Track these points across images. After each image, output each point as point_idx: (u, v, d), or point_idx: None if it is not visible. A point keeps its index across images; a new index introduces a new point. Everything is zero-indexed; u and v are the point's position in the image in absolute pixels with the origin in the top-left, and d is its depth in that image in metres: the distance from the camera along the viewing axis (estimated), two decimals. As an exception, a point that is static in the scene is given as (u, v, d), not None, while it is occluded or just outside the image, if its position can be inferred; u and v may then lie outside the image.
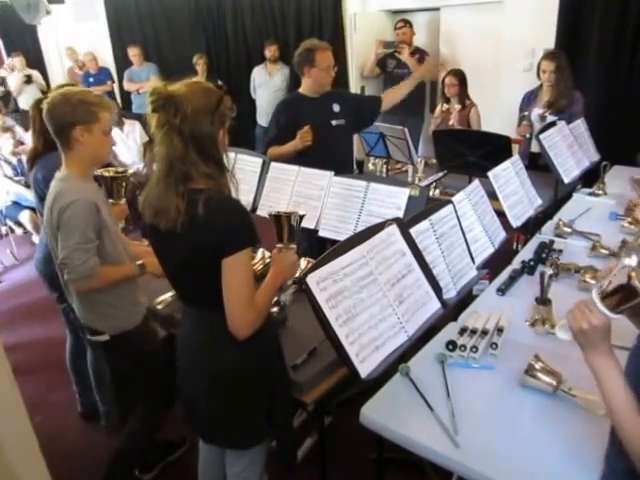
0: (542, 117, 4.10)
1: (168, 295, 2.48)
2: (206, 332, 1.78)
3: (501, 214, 2.86)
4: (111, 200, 2.43)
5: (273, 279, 1.75)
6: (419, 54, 5.71)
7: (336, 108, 3.49)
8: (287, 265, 1.79)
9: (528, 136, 4.22)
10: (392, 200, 2.76)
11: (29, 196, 5.23)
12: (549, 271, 2.23)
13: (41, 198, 2.53)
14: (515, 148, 4.05)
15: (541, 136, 3.49)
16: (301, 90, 3.53)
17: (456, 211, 2.47)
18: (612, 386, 1.24)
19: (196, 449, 2.20)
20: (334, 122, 3.48)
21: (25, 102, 7.94)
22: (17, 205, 5.71)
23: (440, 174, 3.95)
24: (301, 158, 3.33)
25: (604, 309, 1.24)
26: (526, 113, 4.22)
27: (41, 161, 2.57)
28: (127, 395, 2.54)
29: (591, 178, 3.84)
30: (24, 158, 5.45)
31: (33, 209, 5.27)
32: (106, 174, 2.43)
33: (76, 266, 1.99)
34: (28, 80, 8.14)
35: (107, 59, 8.52)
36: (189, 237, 1.58)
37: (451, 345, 1.99)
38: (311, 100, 3.47)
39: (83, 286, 2.07)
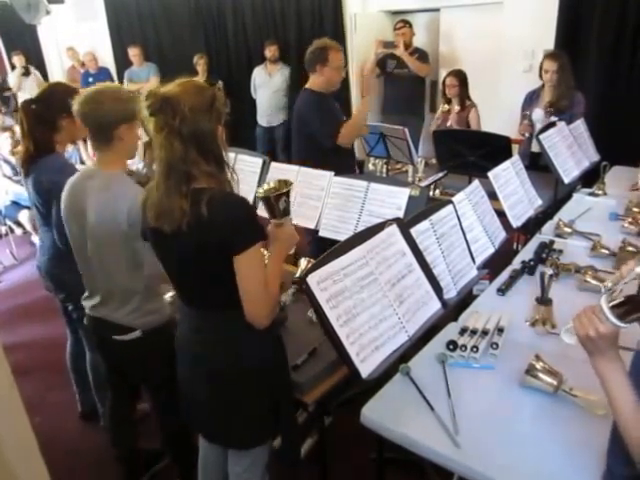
0: (545, 118, 4.10)
1: (168, 296, 2.47)
2: (206, 332, 1.77)
3: (501, 214, 2.86)
4: None
5: (276, 255, 1.77)
6: (418, 54, 5.71)
7: (337, 105, 3.57)
8: (286, 238, 1.80)
9: (528, 135, 4.22)
10: (392, 200, 2.75)
11: (28, 196, 5.23)
12: (549, 271, 2.22)
13: (46, 201, 2.51)
14: (515, 148, 4.05)
15: (541, 136, 3.49)
16: (312, 87, 3.49)
17: (456, 211, 2.47)
18: (619, 392, 1.24)
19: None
20: (344, 118, 3.57)
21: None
22: (16, 205, 5.69)
23: (440, 174, 3.95)
24: (332, 158, 3.32)
25: (612, 318, 1.22)
26: (528, 112, 4.22)
27: (40, 164, 2.49)
28: (126, 396, 2.53)
29: (591, 178, 3.84)
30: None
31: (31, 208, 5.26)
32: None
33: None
34: (26, 71, 8.12)
35: (107, 59, 8.51)
36: (195, 237, 1.58)
37: (452, 345, 1.99)
38: (328, 97, 3.51)
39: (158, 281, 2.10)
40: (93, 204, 2.06)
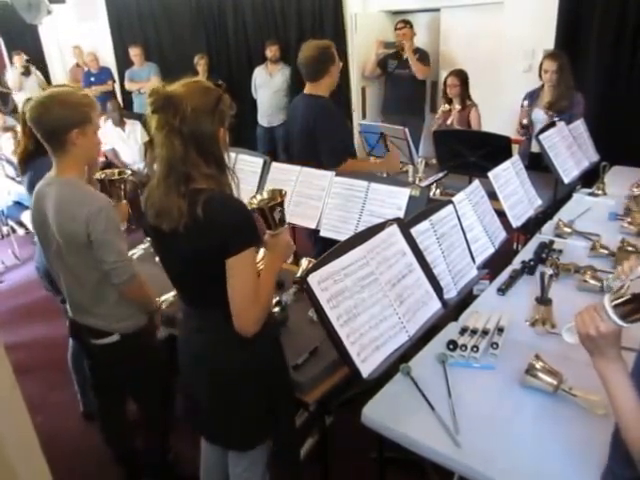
0: (545, 117, 4.10)
1: (170, 295, 2.48)
2: (207, 333, 1.78)
3: (501, 214, 2.87)
4: (112, 203, 2.41)
5: (271, 265, 1.76)
6: (419, 54, 5.72)
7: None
8: (282, 248, 1.79)
9: (525, 122, 4.21)
10: (393, 200, 2.76)
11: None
12: (549, 271, 2.23)
13: None
14: (515, 148, 4.05)
15: (541, 136, 3.50)
16: (320, 93, 3.26)
17: (456, 211, 2.48)
18: (619, 392, 1.23)
19: (184, 455, 2.19)
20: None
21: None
22: (19, 205, 5.70)
23: (440, 174, 3.96)
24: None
25: (615, 317, 1.20)
26: (525, 102, 4.23)
27: (36, 165, 2.47)
28: (112, 399, 2.53)
29: (591, 178, 3.84)
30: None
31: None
32: (104, 177, 2.38)
33: (126, 267, 2.02)
34: (26, 71, 8.11)
35: (108, 59, 8.51)
36: (192, 237, 1.58)
37: (452, 345, 1.99)
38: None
39: (134, 285, 2.08)
40: (50, 212, 2.04)
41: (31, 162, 2.52)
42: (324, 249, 1.96)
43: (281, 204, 1.76)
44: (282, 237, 1.78)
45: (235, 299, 1.62)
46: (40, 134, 2.02)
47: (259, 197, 1.79)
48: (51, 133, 1.99)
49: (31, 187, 2.48)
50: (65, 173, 2.06)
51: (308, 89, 3.31)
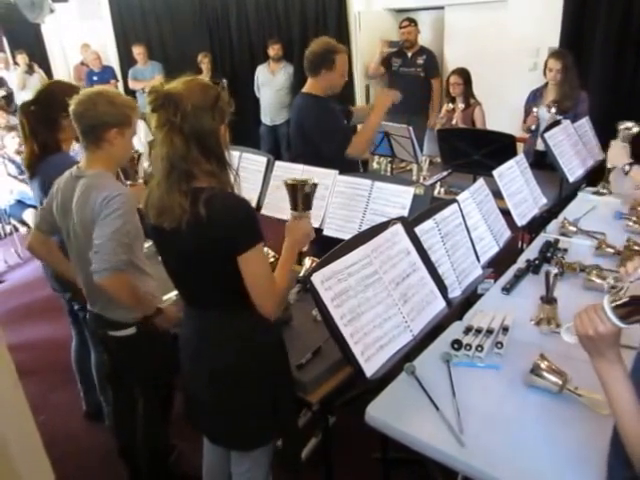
0: (549, 114, 4.08)
1: (173, 294, 2.47)
2: (208, 332, 1.78)
3: (506, 213, 2.85)
4: (129, 182, 2.47)
5: (290, 249, 1.80)
6: (425, 54, 5.69)
7: (338, 107, 3.45)
8: (302, 234, 1.82)
9: (534, 127, 4.20)
10: (397, 199, 2.75)
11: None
12: (554, 270, 2.21)
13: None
14: (520, 147, 4.03)
15: (546, 135, 3.48)
16: (312, 92, 3.27)
17: (461, 210, 2.46)
18: (618, 393, 1.22)
19: (185, 455, 2.16)
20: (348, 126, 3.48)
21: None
22: (21, 204, 5.69)
23: (445, 173, 3.94)
24: (336, 163, 3.13)
25: (614, 318, 1.19)
26: (535, 109, 4.21)
27: (46, 164, 2.47)
28: (127, 392, 2.53)
29: (596, 177, 3.82)
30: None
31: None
32: None
33: (107, 255, 1.92)
34: (30, 69, 8.11)
35: (111, 58, 8.52)
36: (194, 235, 1.58)
37: (456, 344, 1.98)
38: (329, 100, 3.33)
39: (109, 279, 1.94)
40: (75, 203, 2.06)
41: (39, 165, 2.51)
42: (323, 247, 1.96)
43: (313, 187, 1.82)
44: (304, 222, 1.83)
45: (253, 291, 1.66)
46: (80, 127, 2.05)
47: (296, 178, 1.86)
48: (92, 127, 2.03)
49: (44, 190, 2.47)
50: (94, 167, 2.08)
51: (306, 87, 3.33)
